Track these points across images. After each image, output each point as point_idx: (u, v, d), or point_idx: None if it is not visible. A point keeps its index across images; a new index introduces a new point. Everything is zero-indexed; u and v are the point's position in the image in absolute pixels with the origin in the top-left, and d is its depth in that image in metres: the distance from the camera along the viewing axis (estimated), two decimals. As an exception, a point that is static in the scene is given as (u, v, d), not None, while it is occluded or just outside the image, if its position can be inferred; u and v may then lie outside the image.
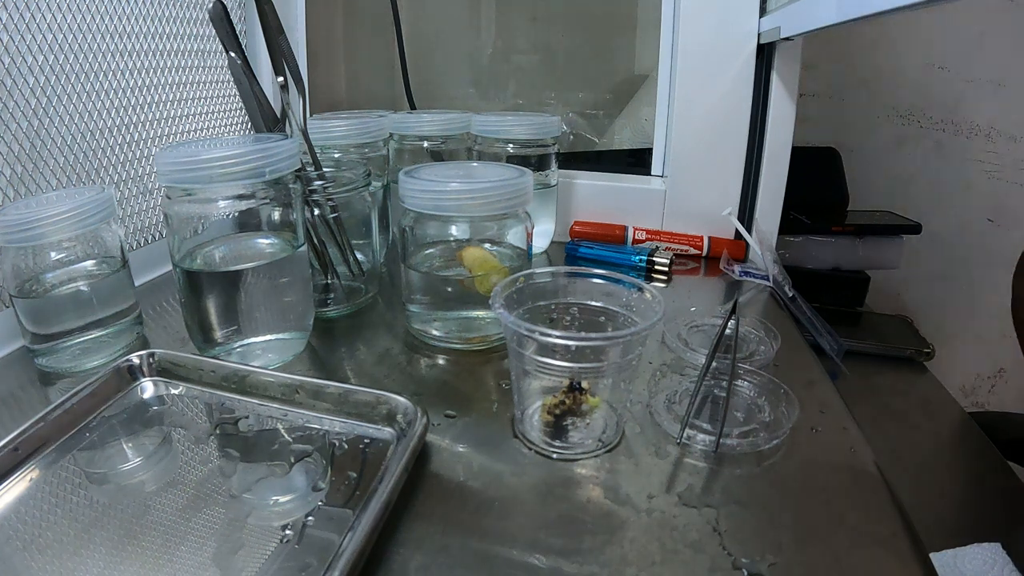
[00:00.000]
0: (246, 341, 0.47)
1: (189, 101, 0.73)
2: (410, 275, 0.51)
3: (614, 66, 0.97)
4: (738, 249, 0.73)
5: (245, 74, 0.50)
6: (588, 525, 0.32)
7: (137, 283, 0.55)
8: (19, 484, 0.35)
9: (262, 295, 0.46)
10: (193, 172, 0.41)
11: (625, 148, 0.90)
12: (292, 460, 0.37)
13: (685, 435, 0.39)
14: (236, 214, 0.45)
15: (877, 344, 0.77)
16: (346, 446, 0.38)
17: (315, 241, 0.53)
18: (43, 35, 0.54)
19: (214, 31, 0.50)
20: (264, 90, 0.52)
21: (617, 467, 0.37)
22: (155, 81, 0.67)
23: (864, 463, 0.37)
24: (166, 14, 0.68)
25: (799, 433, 0.39)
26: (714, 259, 0.73)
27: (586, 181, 0.78)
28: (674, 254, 0.70)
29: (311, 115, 0.65)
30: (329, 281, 0.56)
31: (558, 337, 0.34)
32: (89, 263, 0.48)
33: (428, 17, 1.01)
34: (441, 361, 0.49)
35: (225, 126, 0.80)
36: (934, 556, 0.31)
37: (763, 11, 0.66)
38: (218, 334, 0.46)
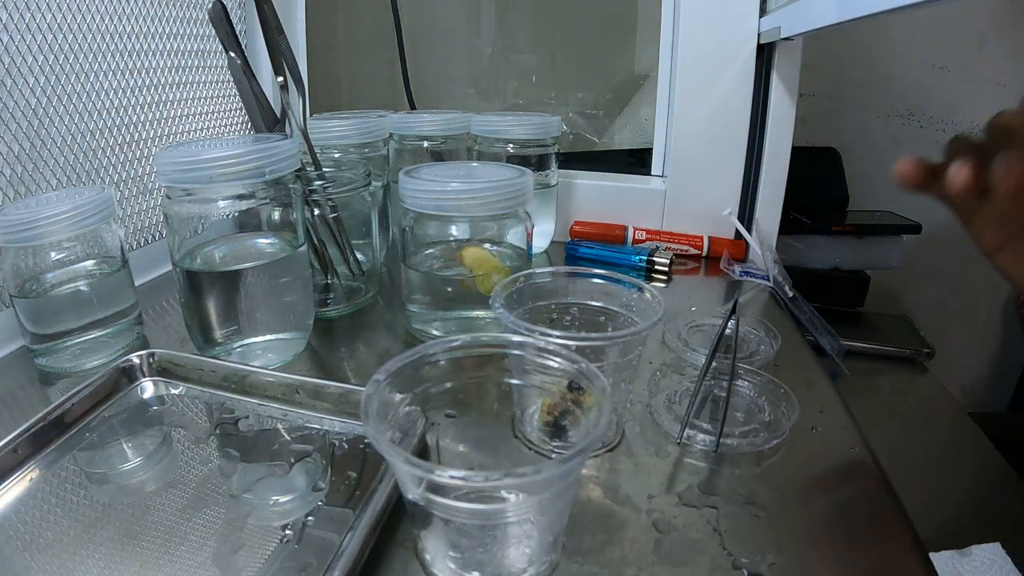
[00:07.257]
0: (246, 341, 0.47)
1: (189, 101, 0.73)
2: (410, 275, 0.51)
3: (614, 66, 0.97)
4: (738, 249, 0.73)
5: (245, 74, 0.50)
6: (588, 525, 0.32)
7: (137, 283, 0.55)
8: (19, 484, 0.35)
9: (262, 295, 0.46)
10: (193, 172, 0.41)
11: (625, 148, 0.90)
12: (292, 460, 0.37)
13: (685, 435, 0.39)
14: (236, 214, 0.45)
15: (877, 344, 0.77)
16: (346, 446, 0.38)
17: (315, 241, 0.53)
18: (43, 35, 0.54)
19: (214, 31, 0.50)
20: (264, 90, 0.52)
21: (617, 467, 0.37)
22: (155, 81, 0.67)
23: (864, 463, 0.37)
24: (166, 14, 0.68)
25: (799, 433, 0.39)
26: (714, 259, 0.73)
27: (586, 181, 0.78)
28: (674, 254, 0.70)
29: (311, 115, 0.65)
30: (329, 281, 0.56)
31: (558, 337, 0.34)
32: (89, 263, 0.48)
33: (428, 17, 1.01)
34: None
35: (225, 126, 0.80)
36: (934, 556, 0.31)
37: (763, 11, 0.66)
38: (218, 334, 0.46)
